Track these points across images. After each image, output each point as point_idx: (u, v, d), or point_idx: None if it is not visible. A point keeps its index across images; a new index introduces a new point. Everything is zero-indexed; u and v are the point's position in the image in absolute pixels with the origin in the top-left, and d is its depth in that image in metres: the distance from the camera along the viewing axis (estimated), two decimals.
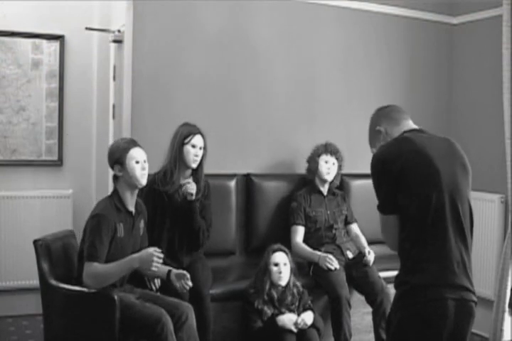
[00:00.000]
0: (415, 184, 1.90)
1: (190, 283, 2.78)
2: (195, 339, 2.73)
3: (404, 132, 2.06)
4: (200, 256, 3.26)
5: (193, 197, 3.07)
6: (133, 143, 2.75)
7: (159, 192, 3.10)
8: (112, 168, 2.73)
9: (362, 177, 4.08)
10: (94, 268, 2.55)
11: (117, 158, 2.70)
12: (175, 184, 3.11)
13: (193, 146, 3.12)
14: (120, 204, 2.71)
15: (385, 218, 1.99)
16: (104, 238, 2.58)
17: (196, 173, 3.20)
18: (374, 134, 2.17)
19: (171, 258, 3.09)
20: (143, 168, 2.71)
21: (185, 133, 3.13)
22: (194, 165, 3.15)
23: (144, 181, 2.72)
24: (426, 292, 1.85)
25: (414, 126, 2.12)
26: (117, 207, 2.70)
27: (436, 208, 1.88)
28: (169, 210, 3.12)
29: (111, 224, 2.62)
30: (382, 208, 1.98)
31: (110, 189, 4.08)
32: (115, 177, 2.75)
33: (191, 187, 3.06)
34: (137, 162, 2.70)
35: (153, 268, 2.54)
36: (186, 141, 3.12)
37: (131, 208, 2.76)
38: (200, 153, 3.15)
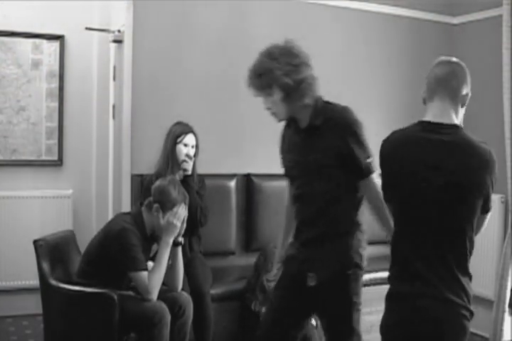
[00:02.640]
0: (400, 192, 1.87)
1: None
2: (185, 334, 2.79)
3: (420, 123, 1.89)
4: (198, 255, 3.27)
5: (189, 173, 3.20)
6: (184, 199, 2.78)
7: None
8: (154, 202, 2.75)
9: None
10: (145, 278, 2.63)
11: (163, 203, 2.73)
12: None
13: (185, 145, 3.22)
14: (141, 227, 2.76)
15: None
16: (139, 250, 2.66)
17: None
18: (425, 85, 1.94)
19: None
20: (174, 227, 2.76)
21: (177, 132, 3.23)
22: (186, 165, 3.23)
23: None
24: (404, 299, 1.83)
25: (438, 117, 1.87)
26: (139, 228, 2.74)
27: (416, 222, 1.83)
28: None
29: (137, 241, 2.69)
30: (383, 194, 1.97)
31: (110, 189, 4.11)
32: (149, 206, 2.77)
33: (187, 164, 3.20)
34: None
35: (178, 224, 2.73)
36: (178, 140, 3.22)
37: (148, 233, 2.80)
38: (193, 151, 3.24)
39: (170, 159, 3.20)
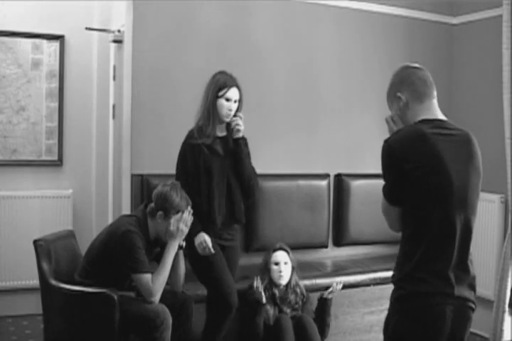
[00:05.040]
0: (424, 191, 1.83)
1: (212, 251, 2.83)
2: (188, 331, 2.80)
3: (424, 120, 1.92)
4: (236, 250, 3.09)
5: (240, 134, 2.96)
6: (187, 204, 2.76)
7: (198, 145, 2.90)
8: (157, 210, 2.75)
9: (362, 177, 4.09)
10: (149, 280, 2.63)
11: (166, 210, 2.73)
12: (211, 136, 2.92)
13: (228, 100, 2.92)
14: (145, 231, 2.76)
15: (387, 204, 1.92)
16: (142, 252, 2.66)
17: (231, 126, 2.99)
18: (393, 98, 2.01)
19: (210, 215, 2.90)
20: (182, 232, 2.76)
21: (220, 84, 2.92)
22: (227, 120, 2.95)
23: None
24: (424, 298, 1.83)
25: (437, 115, 1.96)
26: (142, 231, 2.74)
27: (441, 220, 1.83)
28: (213, 162, 2.91)
29: (141, 243, 2.69)
30: (388, 197, 1.90)
31: (110, 189, 4.11)
32: (152, 213, 2.77)
33: (239, 123, 2.94)
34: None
35: (185, 229, 2.74)
36: (220, 93, 2.91)
37: (152, 237, 2.81)
38: (235, 106, 2.94)
39: (211, 113, 2.90)
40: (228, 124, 2.99)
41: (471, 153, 1.92)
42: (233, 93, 2.93)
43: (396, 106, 2.00)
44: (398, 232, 1.96)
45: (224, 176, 2.93)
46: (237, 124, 2.94)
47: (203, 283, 2.95)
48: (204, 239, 2.84)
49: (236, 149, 2.97)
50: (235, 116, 2.95)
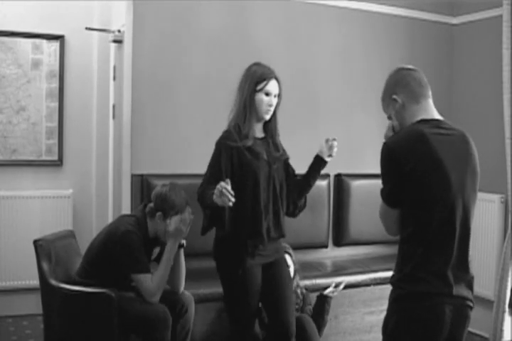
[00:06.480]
0: (424, 191, 1.84)
1: (232, 199, 2.27)
2: (187, 333, 2.80)
3: (422, 121, 1.93)
4: (280, 253, 2.78)
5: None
6: (186, 205, 2.76)
7: (237, 148, 2.54)
8: (156, 210, 2.75)
9: (362, 177, 4.09)
10: (149, 280, 2.64)
11: (166, 210, 2.72)
12: (250, 138, 2.57)
13: (267, 94, 2.58)
14: (144, 231, 2.76)
15: (385, 207, 1.92)
16: (142, 252, 2.67)
17: (269, 126, 2.69)
18: (389, 101, 2.00)
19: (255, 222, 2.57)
20: (181, 233, 2.76)
21: (257, 76, 2.57)
22: (267, 117, 2.63)
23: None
24: (423, 298, 1.83)
25: (434, 115, 1.96)
26: (142, 231, 2.74)
27: (441, 220, 1.83)
28: (257, 167, 2.56)
29: (140, 243, 2.69)
30: (387, 200, 1.90)
31: (110, 189, 4.11)
32: (151, 213, 2.77)
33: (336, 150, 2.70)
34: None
35: (184, 230, 2.72)
36: (259, 87, 2.57)
37: (151, 237, 2.81)
38: (275, 101, 2.62)
39: (247, 110, 2.56)
40: (266, 124, 2.67)
41: (468, 152, 1.93)
42: (273, 86, 2.60)
43: (392, 109, 2.00)
44: (395, 236, 1.96)
45: (270, 184, 2.59)
46: (334, 151, 2.73)
47: (230, 317, 2.69)
48: (219, 184, 2.29)
49: (319, 168, 2.75)
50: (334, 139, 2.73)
